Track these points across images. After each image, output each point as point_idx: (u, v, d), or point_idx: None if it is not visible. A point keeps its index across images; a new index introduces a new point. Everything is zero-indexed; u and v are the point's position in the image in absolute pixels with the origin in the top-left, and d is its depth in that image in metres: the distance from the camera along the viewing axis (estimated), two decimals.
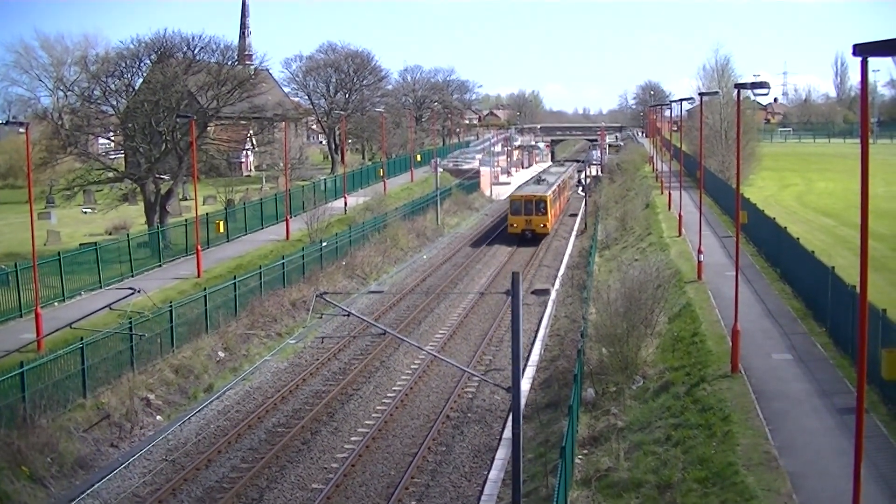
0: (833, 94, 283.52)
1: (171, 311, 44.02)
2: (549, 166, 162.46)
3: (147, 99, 73.39)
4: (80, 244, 63.46)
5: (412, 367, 46.18)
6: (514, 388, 26.52)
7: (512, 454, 27.95)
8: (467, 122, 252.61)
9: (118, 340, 39.59)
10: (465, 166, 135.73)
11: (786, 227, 52.61)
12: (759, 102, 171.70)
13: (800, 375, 33.66)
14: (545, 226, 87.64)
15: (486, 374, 43.30)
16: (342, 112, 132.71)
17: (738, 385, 32.76)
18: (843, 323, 36.00)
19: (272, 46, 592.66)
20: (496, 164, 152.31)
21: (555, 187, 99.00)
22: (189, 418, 38.48)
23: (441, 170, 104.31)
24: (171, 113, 70.43)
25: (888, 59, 17.64)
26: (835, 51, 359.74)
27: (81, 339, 36.94)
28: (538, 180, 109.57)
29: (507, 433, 34.72)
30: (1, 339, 41.62)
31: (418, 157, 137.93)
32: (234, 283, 51.13)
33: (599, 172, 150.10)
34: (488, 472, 32.90)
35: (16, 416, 32.55)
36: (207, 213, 70.85)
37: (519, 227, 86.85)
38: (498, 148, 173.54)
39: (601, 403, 35.82)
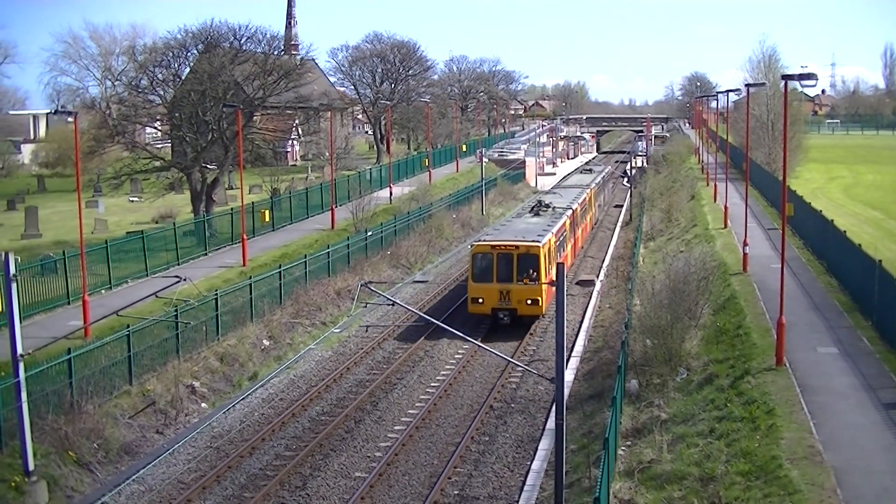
0: (882, 85, 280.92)
1: (216, 299, 44.27)
2: (569, 175, 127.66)
3: (194, 89, 73.81)
4: (127, 232, 64.01)
5: (456, 356, 46.27)
6: (558, 379, 26.51)
7: (555, 445, 27.94)
8: (513, 112, 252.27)
9: (164, 328, 39.91)
10: (511, 157, 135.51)
11: (832, 220, 52.19)
12: (806, 94, 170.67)
13: (845, 369, 33.43)
14: (536, 302, 50.31)
15: (529, 364, 43.29)
16: (388, 102, 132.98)
17: (782, 378, 32.56)
18: (889, 317, 35.70)
19: (318, 36, 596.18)
20: (541, 154, 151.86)
21: (562, 222, 61.56)
22: (233, 406, 38.75)
23: (486, 160, 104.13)
24: (218, 102, 70.77)
25: None
26: (884, 42, 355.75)
27: (128, 326, 37.25)
28: (537, 207, 64.98)
29: (551, 424, 34.67)
30: (49, 325, 42.05)
31: (463, 148, 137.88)
32: (279, 272, 51.37)
33: (645, 164, 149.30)
34: (531, 463, 32.92)
35: (63, 402, 32.89)
36: (253, 202, 71.19)
37: (488, 304, 50.42)
38: (543, 138, 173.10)
39: (645, 395, 35.72)
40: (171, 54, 78.56)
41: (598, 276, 64.50)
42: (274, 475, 32.01)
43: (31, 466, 28.75)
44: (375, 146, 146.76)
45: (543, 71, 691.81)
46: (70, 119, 51.27)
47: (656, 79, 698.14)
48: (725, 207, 69.58)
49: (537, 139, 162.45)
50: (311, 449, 34.27)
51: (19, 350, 27.72)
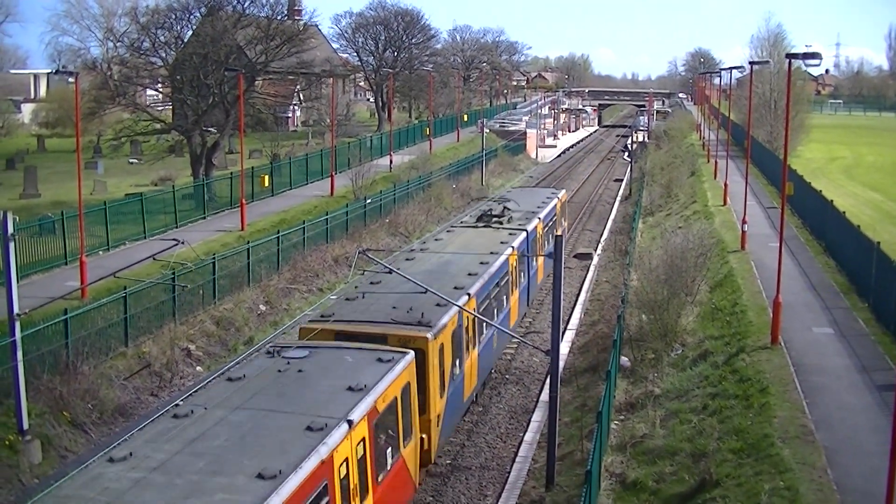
0: (886, 66, 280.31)
1: (213, 263, 44.29)
2: (442, 234, 47.20)
3: (196, 52, 73.57)
4: (126, 194, 63.87)
5: None
6: (553, 352, 26.59)
7: (548, 417, 28.07)
8: (515, 83, 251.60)
9: (161, 291, 39.90)
10: (512, 128, 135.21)
11: (832, 200, 52.18)
12: (810, 73, 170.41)
13: (840, 350, 33.49)
14: None
15: (525, 336, 43.36)
16: (390, 70, 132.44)
17: (777, 357, 32.63)
18: (886, 299, 35.75)
19: (322, 2, 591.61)
20: (543, 126, 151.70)
21: None
22: (228, 370, 38.77)
23: (487, 131, 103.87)
24: (220, 66, 70.55)
25: None
26: (889, 23, 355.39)
27: (125, 288, 37.22)
28: None
29: (545, 396, 34.77)
30: (46, 286, 41.99)
31: (465, 118, 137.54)
32: (278, 238, 51.39)
33: (646, 138, 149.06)
34: (524, 434, 33.01)
35: (59, 363, 32.93)
36: (253, 167, 71.07)
37: None
38: (545, 110, 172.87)
39: (639, 370, 35.81)
40: (173, 16, 78.21)
41: (596, 250, 64.53)
42: None
43: (26, 425, 28.82)
44: (377, 114, 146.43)
45: (547, 43, 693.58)
46: (71, 79, 50.95)
47: (660, 54, 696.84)
48: (725, 185, 69.51)
49: (539, 111, 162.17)
50: None
51: (16, 309, 27.72)
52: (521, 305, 44.23)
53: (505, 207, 49.23)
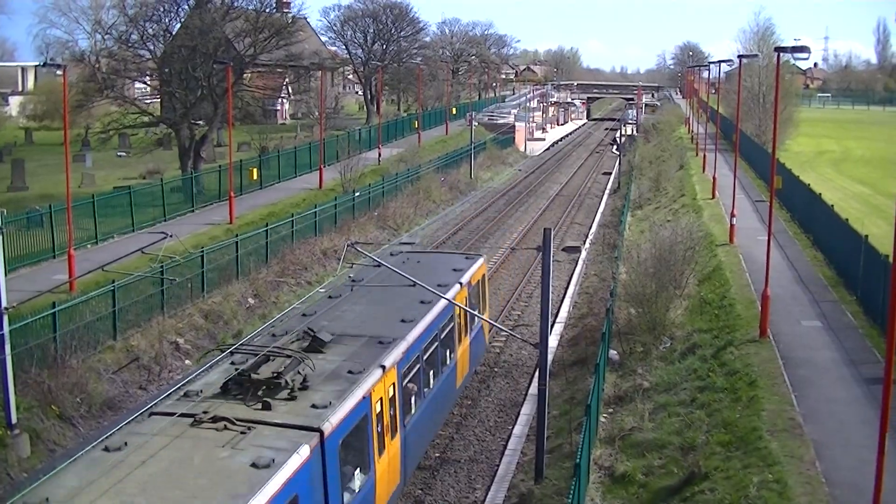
0: (874, 60, 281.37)
1: (202, 256, 44.19)
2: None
3: (184, 44, 73.40)
4: (114, 188, 63.71)
5: None
6: (542, 345, 26.60)
7: (537, 410, 28.09)
8: (504, 76, 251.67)
9: (149, 284, 39.78)
10: (501, 121, 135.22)
11: (820, 194, 52.27)
12: (798, 67, 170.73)
13: (828, 343, 33.56)
14: None
15: (514, 329, 43.37)
16: (379, 63, 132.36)
17: (765, 350, 32.70)
18: (874, 292, 35.82)
19: None
20: (532, 119, 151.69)
21: None
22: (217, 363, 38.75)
23: (476, 124, 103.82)
24: (208, 59, 70.44)
25: None
26: (877, 16, 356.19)
27: (113, 281, 37.15)
28: None
29: (533, 389, 34.77)
30: (34, 279, 41.90)
31: (454, 111, 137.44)
32: (266, 231, 51.31)
33: (635, 132, 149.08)
34: (513, 427, 33.02)
35: (47, 356, 32.83)
36: (241, 160, 70.90)
37: None
38: (534, 104, 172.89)
39: (628, 363, 35.82)
40: (162, 9, 77.94)
41: (584, 244, 64.53)
42: None
43: (14, 419, 28.75)
44: (365, 107, 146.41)
45: (536, 36, 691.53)
46: (59, 72, 50.96)
47: (649, 47, 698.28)
48: (714, 178, 69.59)
49: (528, 104, 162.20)
50: None
51: (4, 303, 27.64)
52: None
53: (311, 341, 23.25)
